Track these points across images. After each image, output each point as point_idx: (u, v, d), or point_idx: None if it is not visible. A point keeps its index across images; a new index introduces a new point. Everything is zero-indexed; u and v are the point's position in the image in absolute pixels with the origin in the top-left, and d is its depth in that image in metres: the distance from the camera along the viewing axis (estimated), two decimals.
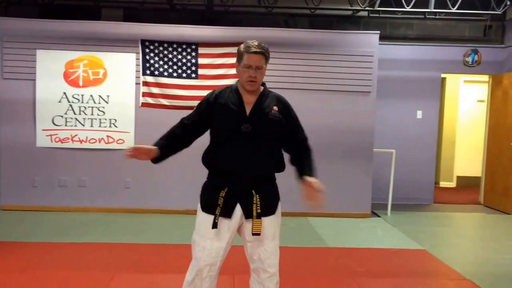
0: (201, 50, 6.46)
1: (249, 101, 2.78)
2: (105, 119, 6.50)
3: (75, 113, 6.46)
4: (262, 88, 2.85)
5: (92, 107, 6.48)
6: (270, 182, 2.89)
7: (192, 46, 6.47)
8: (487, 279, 4.40)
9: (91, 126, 6.49)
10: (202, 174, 2.95)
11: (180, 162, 6.61)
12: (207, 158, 2.85)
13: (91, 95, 6.47)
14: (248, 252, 2.85)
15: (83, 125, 6.48)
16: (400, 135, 7.72)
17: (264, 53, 2.72)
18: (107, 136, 6.51)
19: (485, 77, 8.40)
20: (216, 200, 2.73)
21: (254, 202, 2.73)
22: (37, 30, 6.41)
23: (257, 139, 2.75)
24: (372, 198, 6.96)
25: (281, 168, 2.89)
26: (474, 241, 6.00)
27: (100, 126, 6.50)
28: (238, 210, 2.76)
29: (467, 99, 10.05)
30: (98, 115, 6.49)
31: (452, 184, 10.16)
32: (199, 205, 2.89)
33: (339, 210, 6.76)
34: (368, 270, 4.58)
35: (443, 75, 8.06)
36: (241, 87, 2.82)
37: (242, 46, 2.77)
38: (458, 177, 10.20)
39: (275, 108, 2.80)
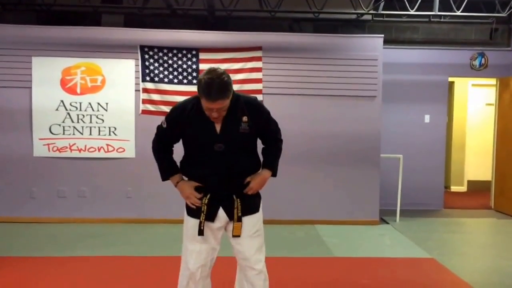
0: (202, 56, 6.32)
1: (218, 122, 2.77)
2: (104, 127, 6.36)
3: (73, 121, 6.33)
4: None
5: (91, 115, 6.35)
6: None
7: (193, 51, 6.32)
8: None
9: (90, 134, 6.36)
10: None
11: None
12: (186, 170, 2.93)
13: (89, 103, 6.34)
14: (234, 250, 2.93)
15: (82, 134, 6.35)
16: (408, 140, 7.55)
17: (223, 97, 2.61)
18: (107, 145, 6.37)
19: (493, 80, 8.21)
20: (199, 207, 2.82)
21: (235, 206, 2.83)
22: (32, 37, 6.28)
23: (231, 153, 2.80)
24: (381, 204, 6.79)
25: (258, 168, 2.97)
26: (484, 248, 5.79)
27: (99, 134, 6.36)
28: (221, 212, 2.86)
29: (476, 102, 9.87)
30: (97, 123, 6.35)
31: (463, 188, 9.97)
32: (185, 211, 2.96)
33: (347, 217, 6.61)
34: (373, 281, 4.40)
35: (450, 79, 7.87)
36: None
37: (202, 82, 2.60)
38: (469, 182, 10.00)
39: (244, 119, 2.79)
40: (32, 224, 6.28)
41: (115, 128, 6.37)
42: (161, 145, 2.99)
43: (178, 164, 2.99)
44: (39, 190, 6.41)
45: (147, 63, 6.31)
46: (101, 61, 6.32)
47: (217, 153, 2.78)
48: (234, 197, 2.85)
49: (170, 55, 6.33)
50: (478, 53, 7.56)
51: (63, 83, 6.30)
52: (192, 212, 2.88)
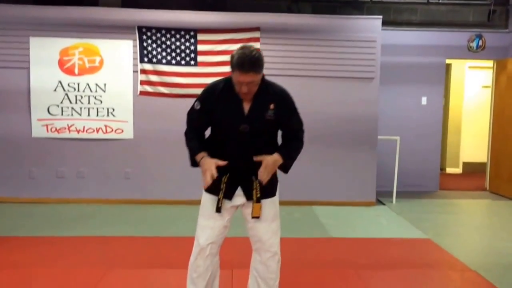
0: (200, 37, 6.30)
1: (247, 99, 2.80)
2: (103, 108, 6.36)
3: (71, 102, 6.33)
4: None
5: (89, 96, 6.34)
6: None
7: (191, 32, 6.30)
8: (493, 270, 4.27)
9: (88, 115, 6.36)
10: None
11: (182, 152, 6.50)
12: (208, 150, 2.90)
13: (88, 84, 6.33)
14: (249, 233, 2.97)
15: (80, 115, 6.35)
16: (405, 122, 7.59)
17: (255, 70, 2.65)
18: (105, 126, 6.38)
19: (490, 63, 8.23)
20: (219, 185, 2.83)
21: (254, 187, 2.84)
22: (30, 17, 6.24)
23: (255, 136, 2.83)
24: (377, 185, 6.86)
25: None
26: (480, 229, 5.85)
27: (97, 115, 6.36)
28: (239, 192, 2.89)
29: (472, 85, 9.89)
30: (95, 104, 6.35)
31: (458, 170, 10.06)
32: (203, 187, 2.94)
33: (344, 199, 6.67)
34: (370, 261, 4.46)
35: (448, 61, 7.87)
36: None
37: (234, 57, 2.68)
38: (464, 163, 10.09)
39: (272, 106, 2.81)
40: (31, 204, 6.32)
41: (113, 109, 6.37)
42: (192, 129, 2.97)
43: None
44: (38, 170, 6.43)
45: (145, 44, 6.29)
46: (99, 41, 6.29)
47: (242, 134, 2.79)
48: (253, 178, 2.84)
49: (168, 36, 6.30)
50: (476, 35, 7.56)
51: (61, 64, 6.28)
52: (211, 189, 2.87)
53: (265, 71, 2.80)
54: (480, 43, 7.59)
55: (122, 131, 6.40)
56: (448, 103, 9.71)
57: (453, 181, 8.89)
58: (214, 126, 2.93)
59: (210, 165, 2.77)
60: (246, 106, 2.81)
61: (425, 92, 7.67)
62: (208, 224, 2.93)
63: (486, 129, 8.49)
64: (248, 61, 2.62)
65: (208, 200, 2.93)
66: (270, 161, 2.81)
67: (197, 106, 2.89)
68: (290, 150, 2.98)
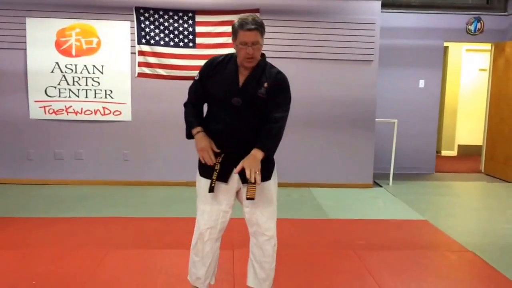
0: (198, 18, 6.25)
1: (245, 73, 2.80)
2: (100, 90, 6.33)
3: (68, 84, 6.30)
4: (260, 60, 2.81)
5: (86, 78, 6.31)
6: None
7: (189, 13, 6.25)
8: (490, 250, 4.34)
9: (86, 97, 6.33)
10: None
11: (178, 133, 6.50)
12: (206, 127, 2.90)
13: (85, 65, 6.29)
14: (246, 216, 2.93)
15: (78, 96, 6.32)
16: (402, 105, 7.61)
17: (258, 28, 2.67)
18: (103, 108, 6.36)
19: (487, 46, 8.24)
20: (213, 166, 2.82)
21: None
22: None
23: (247, 112, 2.80)
24: (374, 167, 6.90)
25: None
26: (476, 211, 5.91)
27: (95, 97, 6.34)
28: (234, 174, 2.82)
29: (469, 68, 9.91)
30: (92, 85, 6.32)
31: (454, 152, 10.12)
32: (197, 171, 2.97)
33: (342, 181, 6.72)
34: (368, 242, 4.51)
35: (445, 44, 7.87)
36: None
37: (236, 23, 2.72)
38: (459, 146, 10.14)
39: (265, 85, 2.78)
40: (29, 185, 6.33)
41: (111, 91, 6.35)
42: (191, 99, 2.95)
43: None
44: (36, 152, 6.42)
45: (142, 25, 6.24)
46: (96, 22, 6.24)
47: (234, 107, 2.77)
48: None
49: (166, 17, 6.26)
50: (475, 18, 7.55)
51: (58, 45, 6.23)
52: (205, 172, 2.87)
53: (263, 53, 2.80)
54: (479, 26, 7.59)
55: (120, 113, 6.39)
56: (445, 86, 9.72)
57: (448, 164, 8.95)
58: (209, 99, 2.90)
59: (207, 143, 2.80)
60: (241, 79, 2.79)
61: (423, 75, 7.68)
62: (205, 209, 2.90)
63: (482, 112, 8.53)
64: (251, 20, 2.66)
65: (203, 184, 2.90)
66: (249, 164, 2.67)
67: (197, 77, 2.91)
68: (269, 139, 2.81)
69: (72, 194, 6.02)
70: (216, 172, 2.81)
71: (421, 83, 7.69)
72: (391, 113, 7.32)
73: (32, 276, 3.51)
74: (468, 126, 10.02)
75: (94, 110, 6.36)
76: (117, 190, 6.26)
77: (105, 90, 6.33)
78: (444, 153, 10.05)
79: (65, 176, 6.46)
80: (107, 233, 4.57)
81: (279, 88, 2.83)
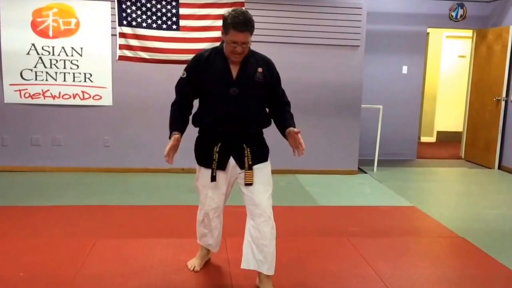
0: (182, 0, 6.05)
1: (235, 64, 2.87)
2: (79, 73, 6.09)
3: (45, 67, 6.03)
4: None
5: (65, 60, 6.05)
6: (259, 136, 3.08)
7: None
8: (480, 236, 4.34)
9: (64, 80, 6.08)
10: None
11: (161, 119, 6.31)
12: (198, 120, 3.01)
13: (63, 47, 6.03)
14: (244, 197, 3.01)
15: (55, 80, 6.07)
16: (386, 91, 7.57)
17: (250, 29, 2.75)
18: (82, 92, 6.12)
19: (467, 32, 8.27)
20: (211, 155, 2.94)
21: (246, 155, 2.94)
22: None
23: (245, 100, 2.90)
24: (358, 154, 6.83)
25: (268, 124, 3.08)
26: (461, 196, 5.93)
27: (74, 80, 6.09)
28: (231, 162, 2.97)
29: (449, 54, 9.94)
30: (71, 68, 6.07)
31: (432, 139, 10.19)
32: (196, 161, 3.10)
33: (327, 167, 6.66)
34: (361, 229, 4.46)
35: (428, 30, 7.84)
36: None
37: (228, 17, 2.74)
38: (438, 132, 10.20)
39: (260, 70, 2.91)
40: (4, 172, 6.07)
41: (91, 75, 6.11)
42: (180, 97, 3.04)
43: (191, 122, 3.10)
44: (12, 137, 6.16)
45: (124, 6, 6.00)
46: (75, 2, 5.98)
47: (232, 97, 2.86)
48: (244, 146, 2.95)
49: None
50: (457, 4, 7.54)
51: (34, 26, 5.95)
52: (204, 161, 3.01)
53: None
54: (461, 12, 7.58)
55: (101, 97, 6.16)
56: (425, 72, 9.74)
57: (429, 150, 8.99)
58: (203, 94, 2.97)
59: (173, 146, 2.92)
60: (234, 70, 2.87)
61: (406, 61, 7.65)
62: (207, 194, 3.08)
63: (461, 98, 8.59)
64: (243, 21, 2.70)
65: (203, 171, 3.04)
66: (299, 137, 2.93)
67: (184, 75, 2.97)
68: (291, 117, 3.09)
69: (51, 181, 5.80)
70: (215, 161, 2.94)
71: (404, 69, 7.66)
72: (375, 99, 7.27)
73: (18, 267, 3.33)
74: (447, 112, 10.08)
75: (73, 94, 6.11)
76: (98, 177, 6.06)
77: (85, 74, 6.09)
78: (423, 139, 10.10)
79: (42, 163, 6.22)
80: (93, 222, 4.38)
81: (271, 70, 2.99)
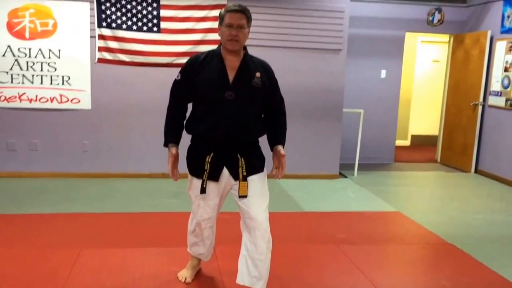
0: (163, 1, 5.91)
1: (232, 67, 2.79)
2: (57, 76, 5.90)
3: (22, 69, 5.83)
4: (243, 52, 2.86)
5: (42, 63, 5.86)
6: (254, 145, 2.97)
7: None
8: (468, 242, 4.37)
9: (41, 83, 5.88)
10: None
11: (142, 123, 6.21)
12: (191, 126, 2.89)
13: (40, 49, 5.83)
14: (240, 209, 2.91)
15: (32, 83, 5.86)
16: (365, 95, 7.59)
17: (245, 12, 2.74)
18: (60, 95, 5.94)
19: (443, 37, 8.39)
20: (202, 165, 2.83)
21: (240, 165, 2.83)
22: None
23: (241, 105, 2.79)
24: None
25: (264, 132, 2.99)
26: (443, 201, 5.94)
27: (51, 83, 5.90)
28: (225, 172, 2.86)
29: (423, 59, 10.05)
30: (48, 71, 5.88)
31: (407, 142, 10.27)
32: (187, 170, 2.98)
33: (308, 171, 6.61)
34: (349, 235, 4.44)
35: (407, 34, 7.90)
36: (224, 50, 2.80)
37: (222, 9, 2.79)
38: (413, 136, 10.30)
39: (258, 74, 2.83)
40: None
41: (69, 77, 5.93)
42: (175, 100, 2.94)
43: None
44: None
45: (103, 7, 5.85)
46: (52, 3, 5.78)
47: (227, 101, 2.75)
48: (238, 156, 2.84)
49: None
50: (435, 9, 7.62)
51: (10, 27, 5.74)
52: (195, 172, 2.90)
53: (245, 46, 2.82)
54: (439, 17, 7.66)
55: (79, 101, 5.99)
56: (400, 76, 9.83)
57: (404, 153, 9.05)
58: (198, 97, 2.85)
59: (173, 162, 2.87)
60: (231, 74, 2.78)
61: (384, 65, 7.70)
62: (199, 204, 2.97)
63: (435, 102, 8.67)
64: (238, 5, 2.74)
65: (195, 182, 2.94)
66: (284, 165, 2.96)
67: (178, 77, 2.89)
68: (283, 132, 3.05)
69: (28, 188, 5.60)
70: (207, 172, 2.83)
71: (383, 73, 7.71)
72: (355, 103, 7.28)
73: (1, 280, 3.18)
74: (421, 116, 10.20)
75: (50, 97, 5.92)
76: (77, 183, 5.88)
77: (62, 76, 5.91)
78: (398, 143, 10.15)
79: (18, 168, 6.01)
80: (75, 231, 4.24)
81: (269, 75, 2.92)
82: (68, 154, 6.10)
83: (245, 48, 2.85)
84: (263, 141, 3.01)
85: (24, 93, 5.86)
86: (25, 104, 5.89)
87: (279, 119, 3.03)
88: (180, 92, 2.90)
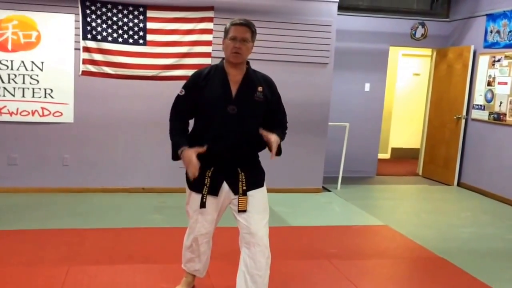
0: (150, 14, 5.85)
1: (234, 81, 2.80)
2: (39, 88, 5.76)
3: (3, 82, 5.67)
4: (246, 67, 2.88)
5: (24, 75, 5.71)
6: (255, 160, 2.97)
7: (140, 8, 5.83)
8: (459, 256, 4.38)
9: (23, 96, 5.74)
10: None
11: (123, 137, 6.10)
12: (193, 140, 2.82)
13: (22, 61, 5.69)
14: (239, 225, 2.89)
15: (13, 95, 5.71)
16: (349, 108, 7.62)
17: (249, 26, 2.77)
18: (42, 108, 5.80)
19: (425, 51, 8.47)
20: (202, 180, 2.80)
21: (240, 180, 2.82)
22: None
23: (243, 119, 2.79)
24: None
25: (264, 147, 2.93)
26: (430, 214, 5.92)
27: (33, 96, 5.76)
28: (225, 187, 2.84)
29: (404, 72, 10.15)
30: (31, 84, 5.74)
31: (387, 155, 10.32)
32: (186, 184, 2.95)
33: (291, 185, 6.56)
34: (340, 250, 4.40)
35: (390, 48, 7.97)
36: (227, 64, 2.83)
37: (228, 23, 2.82)
38: (393, 149, 10.36)
39: (260, 89, 2.84)
40: None
41: (52, 90, 5.80)
42: (177, 113, 2.91)
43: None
44: None
45: (88, 19, 5.75)
46: (36, 14, 5.66)
47: (230, 116, 2.76)
48: (239, 170, 2.83)
49: (114, 11, 5.79)
50: (419, 23, 7.71)
51: None
52: (194, 186, 2.85)
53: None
54: (422, 31, 7.76)
55: (61, 114, 5.85)
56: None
57: (385, 167, 9.03)
58: (201, 111, 2.84)
59: (191, 156, 2.70)
60: (234, 88, 2.79)
61: (368, 79, 7.74)
62: (197, 219, 2.94)
63: (415, 115, 8.71)
64: (242, 19, 2.79)
65: (194, 196, 2.91)
66: (276, 140, 2.80)
67: (182, 93, 2.88)
68: (283, 133, 3.00)
69: (8, 203, 5.43)
70: (207, 187, 2.82)
71: (367, 87, 7.75)
72: (339, 116, 7.28)
73: None
74: (402, 129, 10.27)
75: (32, 111, 5.78)
76: (56, 198, 5.72)
77: (45, 89, 5.78)
78: (379, 156, 10.22)
79: None
80: (60, 248, 4.11)
81: (272, 89, 2.93)
82: (48, 168, 5.94)
83: (248, 62, 2.88)
84: (263, 156, 2.99)
85: (5, 106, 5.70)
86: (5, 118, 5.72)
87: (279, 128, 2.98)
88: (183, 107, 2.89)
